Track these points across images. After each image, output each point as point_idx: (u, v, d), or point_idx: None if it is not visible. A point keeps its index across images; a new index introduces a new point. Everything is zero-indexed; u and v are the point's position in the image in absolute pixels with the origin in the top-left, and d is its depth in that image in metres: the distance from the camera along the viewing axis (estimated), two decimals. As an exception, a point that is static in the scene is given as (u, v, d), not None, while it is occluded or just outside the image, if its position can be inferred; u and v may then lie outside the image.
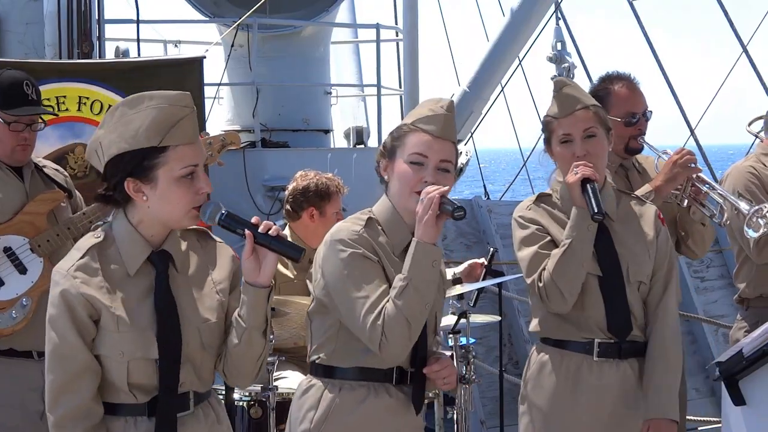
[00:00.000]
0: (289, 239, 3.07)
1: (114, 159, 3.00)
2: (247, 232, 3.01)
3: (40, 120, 4.64)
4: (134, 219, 3.05)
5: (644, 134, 4.82)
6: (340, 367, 3.42)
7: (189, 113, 3.01)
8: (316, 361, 3.46)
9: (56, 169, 4.80)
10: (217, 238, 3.23)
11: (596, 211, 3.79)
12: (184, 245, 3.12)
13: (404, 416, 3.46)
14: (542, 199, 4.01)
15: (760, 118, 5.32)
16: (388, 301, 3.28)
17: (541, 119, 4.11)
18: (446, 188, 3.30)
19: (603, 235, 3.91)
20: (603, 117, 3.99)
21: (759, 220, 4.52)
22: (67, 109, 7.12)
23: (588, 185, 3.84)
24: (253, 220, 3.04)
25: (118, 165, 2.99)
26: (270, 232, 3.00)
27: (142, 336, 2.98)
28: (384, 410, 3.42)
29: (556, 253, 3.86)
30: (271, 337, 4.71)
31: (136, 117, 2.98)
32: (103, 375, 3.01)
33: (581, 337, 3.91)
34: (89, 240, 3.06)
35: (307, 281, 3.49)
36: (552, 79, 4.04)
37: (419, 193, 3.33)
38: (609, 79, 4.84)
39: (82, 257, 3.01)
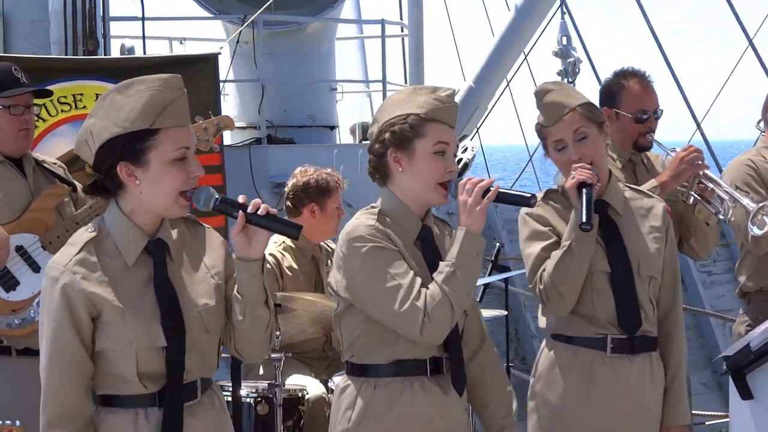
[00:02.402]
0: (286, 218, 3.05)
1: (106, 144, 2.99)
2: (240, 213, 3.00)
3: (35, 104, 4.63)
4: (126, 208, 3.03)
5: (654, 132, 4.82)
6: (374, 364, 3.44)
7: (181, 95, 3.00)
8: (350, 360, 3.48)
9: (54, 163, 4.78)
10: (206, 225, 3.22)
11: (584, 221, 3.73)
12: (175, 233, 3.11)
13: (440, 407, 3.47)
14: (550, 195, 3.98)
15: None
16: (423, 285, 3.34)
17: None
18: (493, 179, 3.41)
19: (611, 229, 3.89)
20: (592, 113, 3.91)
21: (764, 217, 4.51)
22: (84, 107, 7.09)
23: (584, 189, 3.78)
24: (240, 199, 3.02)
25: (111, 150, 2.98)
26: (259, 212, 2.98)
27: (148, 325, 2.98)
28: (421, 404, 3.44)
29: (556, 254, 3.83)
30: (278, 333, 4.71)
31: (127, 101, 2.97)
32: (110, 369, 3.00)
33: (594, 332, 3.87)
34: (84, 235, 3.04)
35: (329, 284, 3.50)
36: (534, 91, 3.99)
37: (441, 184, 3.43)
38: (623, 74, 4.83)
39: (78, 252, 2.99)
